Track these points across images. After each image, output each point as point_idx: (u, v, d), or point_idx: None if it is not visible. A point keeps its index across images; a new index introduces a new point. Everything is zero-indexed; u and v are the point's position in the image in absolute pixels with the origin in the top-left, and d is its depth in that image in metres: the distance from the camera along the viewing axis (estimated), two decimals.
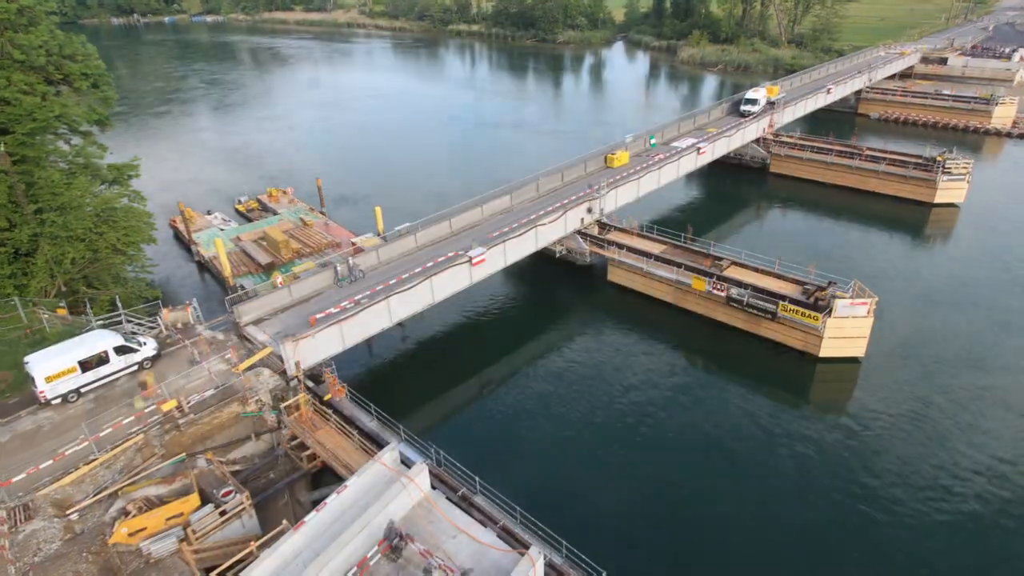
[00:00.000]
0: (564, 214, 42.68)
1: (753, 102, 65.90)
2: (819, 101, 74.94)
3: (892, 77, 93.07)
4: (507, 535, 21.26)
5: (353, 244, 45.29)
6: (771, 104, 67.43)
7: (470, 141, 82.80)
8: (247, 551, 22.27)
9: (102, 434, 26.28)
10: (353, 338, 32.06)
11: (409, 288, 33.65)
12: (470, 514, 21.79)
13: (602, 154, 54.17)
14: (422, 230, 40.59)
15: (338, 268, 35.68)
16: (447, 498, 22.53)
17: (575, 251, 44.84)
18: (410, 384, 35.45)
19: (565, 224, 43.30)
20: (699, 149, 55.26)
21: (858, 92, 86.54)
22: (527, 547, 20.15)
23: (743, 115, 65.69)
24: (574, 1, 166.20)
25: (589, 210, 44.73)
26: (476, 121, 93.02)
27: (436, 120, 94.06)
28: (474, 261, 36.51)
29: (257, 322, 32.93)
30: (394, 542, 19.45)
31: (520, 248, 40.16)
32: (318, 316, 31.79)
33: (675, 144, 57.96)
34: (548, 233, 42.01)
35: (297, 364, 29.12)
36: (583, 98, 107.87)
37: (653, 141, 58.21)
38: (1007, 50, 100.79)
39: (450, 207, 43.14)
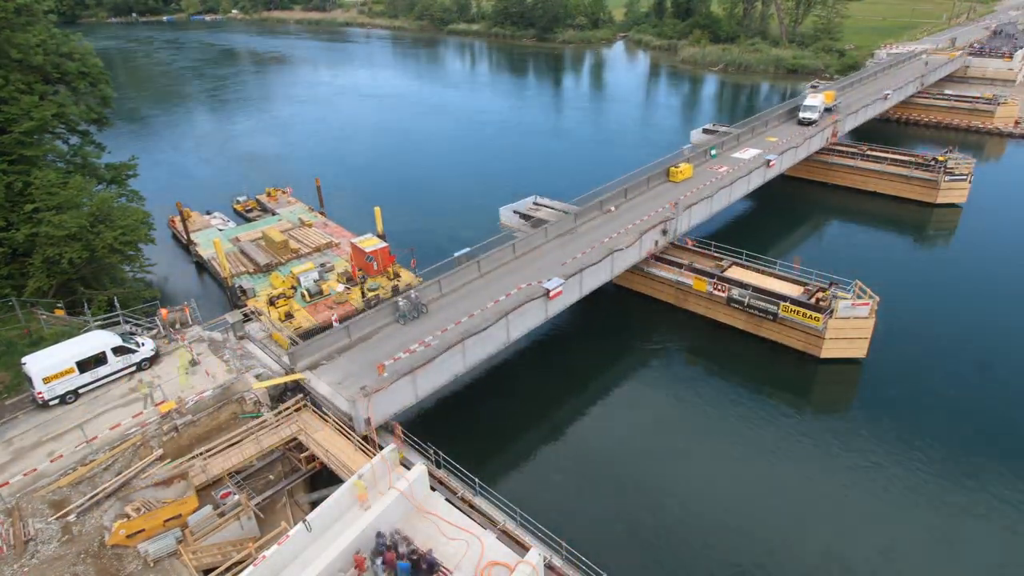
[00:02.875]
0: (640, 238, 39.00)
1: (812, 109, 62.55)
2: (876, 108, 70.69)
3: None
4: (507, 537, 21.15)
5: (353, 244, 45.16)
6: (827, 111, 64.53)
7: (474, 141, 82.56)
8: (245, 552, 22.16)
9: (100, 435, 26.17)
10: (426, 388, 28.25)
11: (484, 329, 29.82)
12: (470, 516, 21.67)
13: (660, 165, 50.56)
14: (483, 255, 36.89)
15: (400, 303, 31.92)
16: (446, 499, 22.39)
17: None
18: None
19: (640, 248, 39.66)
20: (768, 162, 51.18)
21: None
22: (527, 548, 20.04)
23: (801, 123, 62.37)
24: (574, 1, 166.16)
25: (664, 232, 41.22)
26: (483, 122, 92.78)
27: (437, 120, 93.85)
28: (551, 294, 32.87)
29: (313, 367, 28.94)
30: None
31: (596, 277, 36.53)
32: (387, 363, 27.98)
33: (736, 155, 54.95)
34: (624, 259, 38.45)
35: (368, 421, 25.48)
36: (595, 100, 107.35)
37: (714, 152, 55.41)
38: (1009, 50, 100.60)
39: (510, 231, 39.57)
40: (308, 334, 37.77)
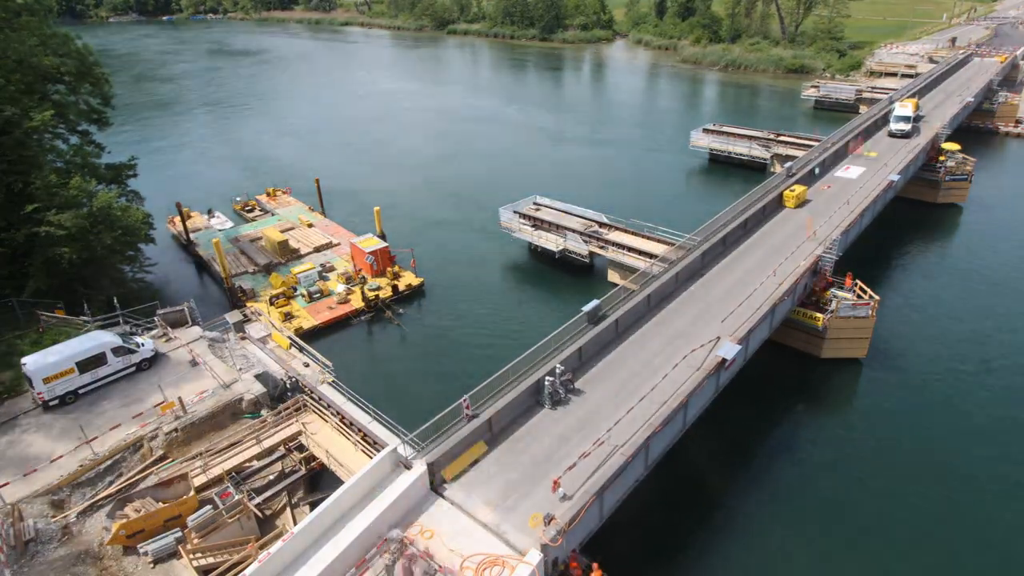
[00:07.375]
0: (795, 284, 33.50)
1: (905, 119, 57.35)
2: (961, 116, 66.88)
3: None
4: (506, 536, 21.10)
5: (353, 244, 45.19)
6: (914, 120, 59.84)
7: (473, 141, 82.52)
8: (245, 553, 22.18)
9: (100, 436, 26.19)
10: (611, 505, 22.37)
11: (670, 423, 24.66)
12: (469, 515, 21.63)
13: (765, 188, 45.86)
14: (620, 308, 30.76)
15: (546, 382, 25.50)
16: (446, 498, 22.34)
17: (574, 252, 44.58)
18: (406, 381, 35.10)
19: (794, 296, 34.67)
20: (891, 183, 46.36)
21: (860, 91, 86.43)
22: (527, 548, 20.01)
23: (892, 135, 57.44)
24: (574, 1, 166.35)
25: (815, 272, 36.02)
26: (483, 121, 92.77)
27: (437, 120, 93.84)
28: (727, 364, 27.48)
29: (454, 478, 22.11)
30: (393, 546, 19.32)
31: (758, 336, 31.44)
32: (561, 475, 21.44)
33: (839, 174, 50.03)
34: (782, 310, 33.63)
35: (555, 563, 20.04)
36: (595, 99, 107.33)
37: (816, 171, 51.50)
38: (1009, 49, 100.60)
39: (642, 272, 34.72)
40: (308, 334, 37.88)
